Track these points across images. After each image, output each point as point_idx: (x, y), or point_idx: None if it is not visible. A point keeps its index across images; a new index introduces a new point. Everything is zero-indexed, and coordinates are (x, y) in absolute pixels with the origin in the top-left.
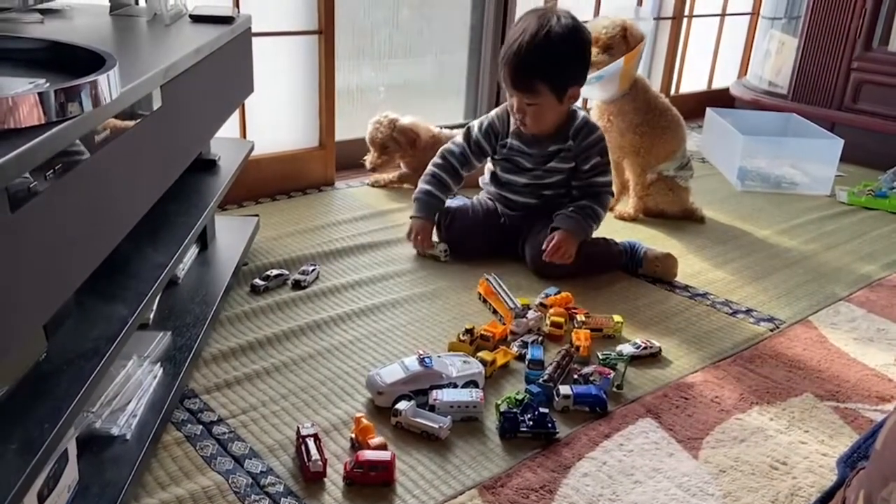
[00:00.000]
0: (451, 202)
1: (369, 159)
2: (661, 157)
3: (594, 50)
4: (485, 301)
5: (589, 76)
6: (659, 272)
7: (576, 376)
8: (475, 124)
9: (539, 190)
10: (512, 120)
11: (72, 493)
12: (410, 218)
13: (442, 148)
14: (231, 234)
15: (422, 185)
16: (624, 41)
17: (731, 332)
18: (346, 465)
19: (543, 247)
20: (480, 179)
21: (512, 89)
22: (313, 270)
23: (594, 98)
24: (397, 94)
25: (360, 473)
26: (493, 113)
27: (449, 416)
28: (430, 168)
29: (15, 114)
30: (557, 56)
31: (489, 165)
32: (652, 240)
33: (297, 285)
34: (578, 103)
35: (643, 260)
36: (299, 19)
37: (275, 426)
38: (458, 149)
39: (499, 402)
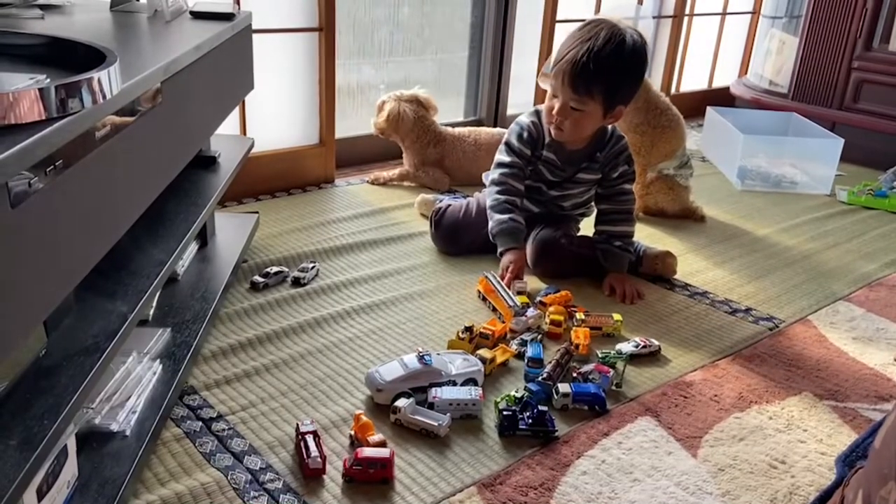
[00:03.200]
0: (447, 200)
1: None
2: (661, 156)
3: None
4: (484, 299)
5: None
6: (659, 270)
7: (575, 374)
8: (513, 138)
9: (561, 202)
10: (545, 129)
11: (71, 489)
12: (500, 254)
13: (496, 174)
14: (231, 230)
15: (496, 215)
16: None
17: (731, 330)
18: (346, 461)
19: (619, 299)
20: (484, 176)
21: (568, 89)
22: (313, 268)
23: None
24: (397, 91)
25: (359, 470)
26: (524, 121)
27: (448, 414)
28: (494, 199)
29: (15, 109)
30: (625, 70)
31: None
32: (652, 238)
33: (297, 282)
34: None
35: (643, 259)
36: (300, 16)
37: (274, 423)
38: (512, 168)
39: (498, 399)
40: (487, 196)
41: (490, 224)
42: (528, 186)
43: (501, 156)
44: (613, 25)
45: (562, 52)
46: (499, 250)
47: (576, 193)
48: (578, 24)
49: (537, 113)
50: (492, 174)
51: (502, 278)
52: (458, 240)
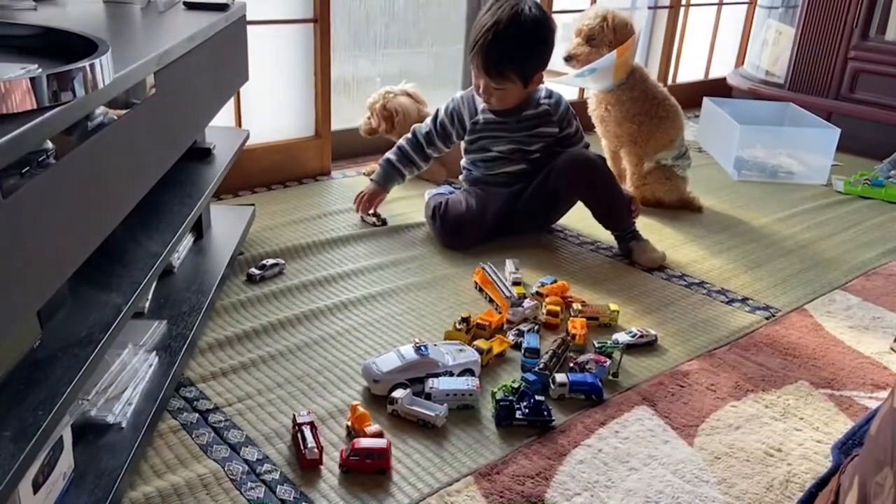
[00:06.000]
0: (441, 191)
1: (365, 125)
2: (658, 147)
3: (576, 41)
4: (481, 290)
5: (582, 69)
6: (636, 258)
7: (572, 364)
8: (442, 107)
9: (526, 155)
10: (478, 100)
11: (67, 481)
12: (371, 180)
13: (414, 127)
14: (227, 223)
15: (388, 155)
16: (602, 31)
17: (727, 320)
18: (343, 452)
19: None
20: (461, 178)
21: (484, 75)
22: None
23: (591, 88)
24: (393, 83)
25: (356, 461)
26: (457, 96)
27: (445, 405)
28: (399, 141)
29: (7, 99)
30: (529, 47)
31: (464, 162)
32: (649, 229)
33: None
34: (575, 93)
35: (632, 249)
36: (294, 8)
37: (271, 414)
38: (425, 128)
39: (495, 390)
40: (402, 138)
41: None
42: (490, 158)
43: (427, 119)
44: (514, 4)
45: (473, 37)
46: (371, 177)
47: (538, 149)
48: (488, 6)
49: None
50: (414, 125)
51: (355, 200)
52: (466, 233)
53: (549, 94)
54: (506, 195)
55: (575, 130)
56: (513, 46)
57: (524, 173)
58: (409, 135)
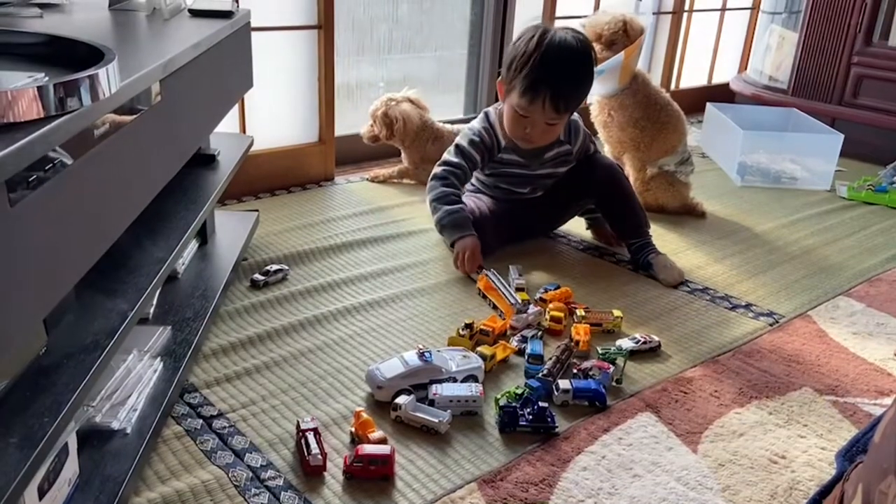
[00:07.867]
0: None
1: (367, 131)
2: (661, 152)
3: (597, 47)
4: (484, 296)
5: None
6: (657, 274)
7: (575, 371)
8: (464, 141)
9: (543, 188)
10: (499, 134)
11: (72, 487)
12: (453, 244)
13: (441, 170)
14: (231, 229)
15: (445, 206)
16: (626, 36)
17: (731, 326)
18: (346, 459)
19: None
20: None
21: (552, 112)
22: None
23: (594, 93)
24: (397, 89)
25: (359, 467)
26: (476, 127)
27: (448, 411)
28: (441, 191)
29: (14, 108)
30: (588, 76)
31: (474, 180)
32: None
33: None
34: None
35: (652, 263)
36: (299, 14)
37: (275, 420)
38: (458, 169)
39: (498, 396)
40: (430, 190)
41: (437, 214)
42: (505, 188)
43: (449, 156)
44: (561, 36)
45: (530, 75)
46: (450, 239)
47: (555, 180)
48: (523, 37)
49: (488, 118)
50: (436, 169)
51: (458, 264)
52: (484, 240)
53: (570, 126)
54: (515, 201)
55: (593, 153)
56: (579, 79)
57: (540, 195)
58: (443, 184)
